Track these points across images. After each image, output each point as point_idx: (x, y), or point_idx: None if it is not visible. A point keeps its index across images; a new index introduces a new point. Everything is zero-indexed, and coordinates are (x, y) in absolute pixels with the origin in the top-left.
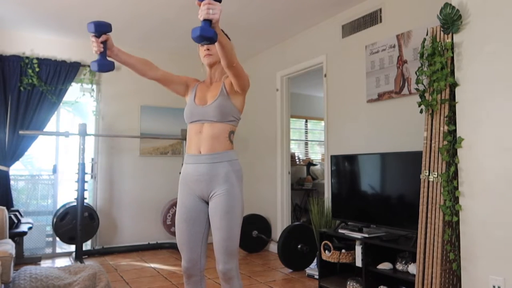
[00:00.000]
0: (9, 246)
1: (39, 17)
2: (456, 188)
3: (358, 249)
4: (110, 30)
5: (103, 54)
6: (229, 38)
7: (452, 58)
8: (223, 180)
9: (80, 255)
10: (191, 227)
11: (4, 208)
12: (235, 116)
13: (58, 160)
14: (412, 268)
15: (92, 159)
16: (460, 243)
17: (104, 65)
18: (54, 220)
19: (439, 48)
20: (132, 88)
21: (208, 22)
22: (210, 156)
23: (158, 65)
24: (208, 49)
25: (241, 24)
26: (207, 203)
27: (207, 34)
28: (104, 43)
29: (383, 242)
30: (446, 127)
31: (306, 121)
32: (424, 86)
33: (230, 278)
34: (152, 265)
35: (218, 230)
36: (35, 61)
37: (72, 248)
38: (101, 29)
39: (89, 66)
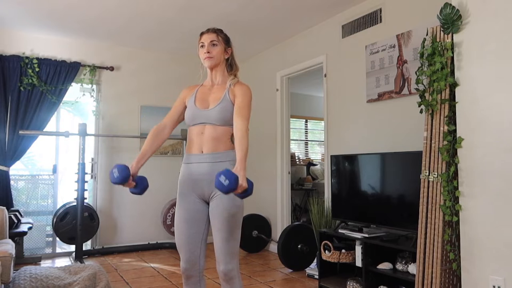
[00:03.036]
0: (9, 246)
1: (39, 17)
2: (456, 188)
3: (358, 249)
4: (129, 173)
5: (135, 185)
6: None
7: (452, 58)
8: None
9: (80, 255)
10: (190, 228)
11: (4, 208)
12: None
13: (58, 160)
14: (412, 268)
15: (92, 159)
16: (460, 243)
17: (143, 187)
18: (54, 220)
19: (439, 48)
20: (132, 88)
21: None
22: (212, 156)
23: (158, 65)
24: (208, 52)
25: (241, 24)
26: (207, 203)
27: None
28: (129, 177)
29: (383, 242)
30: (446, 127)
31: (306, 121)
32: (424, 86)
33: (231, 279)
34: (152, 265)
35: (219, 231)
36: (35, 61)
37: (72, 248)
38: (123, 180)
39: (89, 66)
